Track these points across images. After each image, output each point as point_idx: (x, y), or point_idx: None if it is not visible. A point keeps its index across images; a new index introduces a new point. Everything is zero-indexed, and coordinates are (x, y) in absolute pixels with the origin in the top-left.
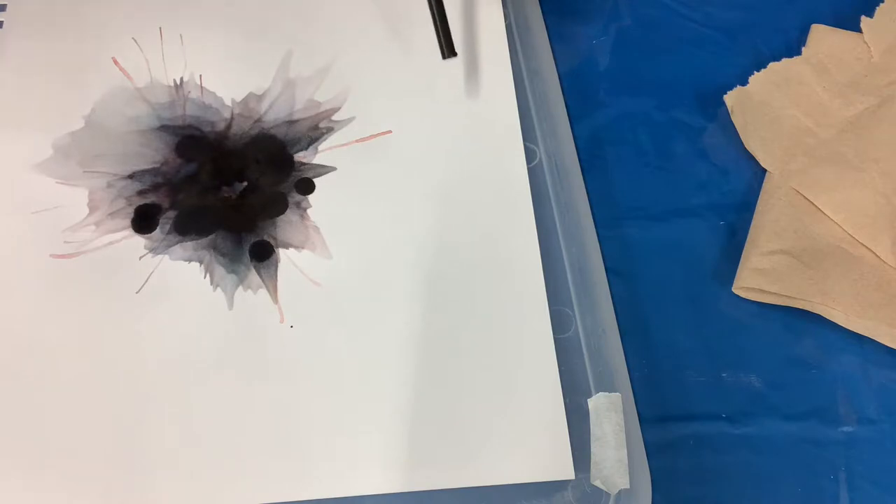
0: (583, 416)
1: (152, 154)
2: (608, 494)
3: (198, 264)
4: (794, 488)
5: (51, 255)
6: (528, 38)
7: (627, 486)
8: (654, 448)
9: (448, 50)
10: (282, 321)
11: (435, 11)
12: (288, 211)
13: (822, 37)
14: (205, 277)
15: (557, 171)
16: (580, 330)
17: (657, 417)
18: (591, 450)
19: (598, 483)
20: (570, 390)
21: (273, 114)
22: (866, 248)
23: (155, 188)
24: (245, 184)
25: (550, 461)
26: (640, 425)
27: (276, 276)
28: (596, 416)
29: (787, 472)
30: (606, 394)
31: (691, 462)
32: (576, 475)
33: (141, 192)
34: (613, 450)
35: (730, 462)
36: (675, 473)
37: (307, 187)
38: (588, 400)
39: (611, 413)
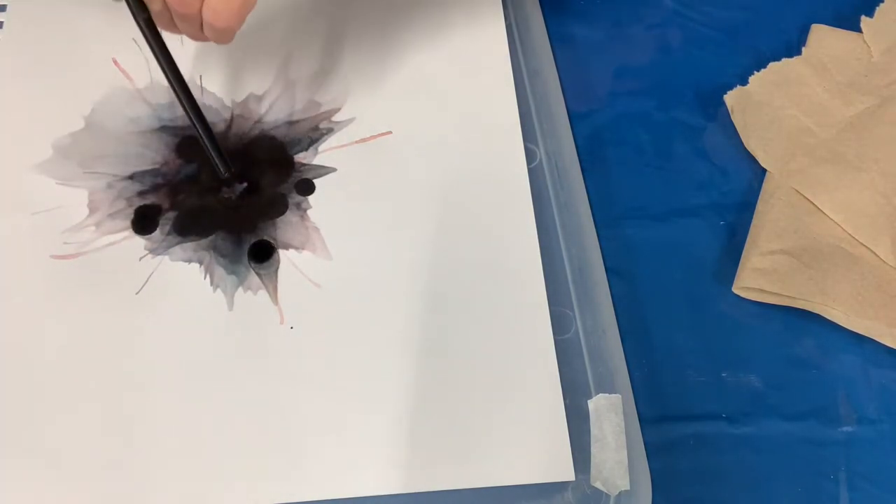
0: (583, 418)
1: (152, 155)
2: (608, 496)
3: (198, 265)
4: (794, 488)
5: (51, 256)
6: (528, 39)
7: (627, 488)
8: (654, 448)
9: (226, 169)
10: (282, 322)
11: (204, 139)
12: (288, 212)
13: (822, 37)
14: (205, 278)
15: (558, 172)
16: (580, 331)
17: (657, 417)
18: (592, 451)
19: (598, 484)
20: (570, 391)
21: (273, 114)
22: (866, 248)
23: (155, 189)
24: (245, 185)
25: (550, 462)
26: (641, 425)
27: (277, 277)
28: (596, 417)
29: (787, 472)
30: (606, 395)
31: (691, 462)
32: (576, 476)
33: (141, 193)
34: (613, 451)
35: (730, 462)
36: (675, 473)
37: (307, 188)
38: (588, 401)
39: (611, 414)
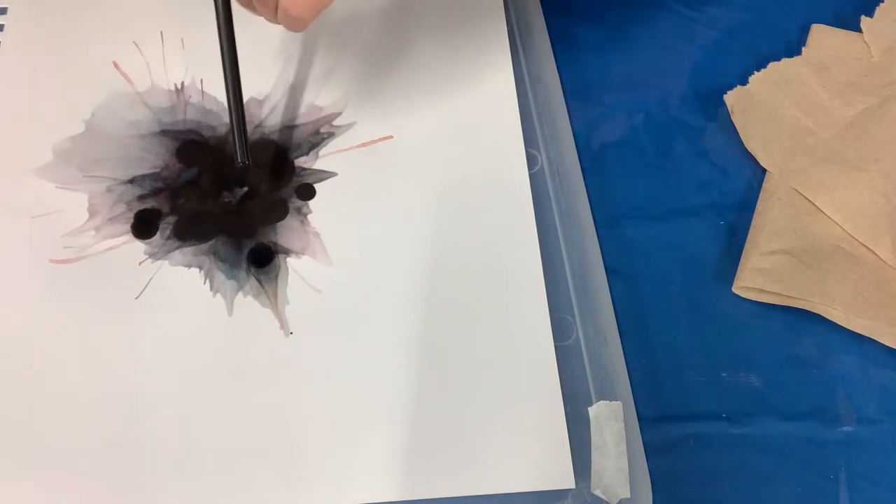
0: (583, 425)
1: (153, 159)
2: None
3: (197, 270)
4: (794, 488)
5: (50, 260)
6: (530, 43)
7: (628, 496)
8: (654, 448)
9: (241, 154)
10: (281, 328)
11: (233, 117)
12: (288, 216)
13: (822, 37)
14: (204, 283)
15: (559, 177)
16: (581, 337)
17: (657, 417)
18: (592, 459)
19: (598, 492)
20: (570, 398)
21: (274, 118)
22: (866, 248)
23: (155, 193)
24: (245, 189)
25: (550, 470)
26: (640, 425)
27: (277, 282)
28: (597, 424)
29: (787, 472)
30: (607, 402)
31: (691, 462)
32: (576, 484)
33: (141, 197)
34: (614, 459)
35: (730, 462)
36: (675, 473)
37: (308, 193)
38: (589, 408)
39: (611, 422)
